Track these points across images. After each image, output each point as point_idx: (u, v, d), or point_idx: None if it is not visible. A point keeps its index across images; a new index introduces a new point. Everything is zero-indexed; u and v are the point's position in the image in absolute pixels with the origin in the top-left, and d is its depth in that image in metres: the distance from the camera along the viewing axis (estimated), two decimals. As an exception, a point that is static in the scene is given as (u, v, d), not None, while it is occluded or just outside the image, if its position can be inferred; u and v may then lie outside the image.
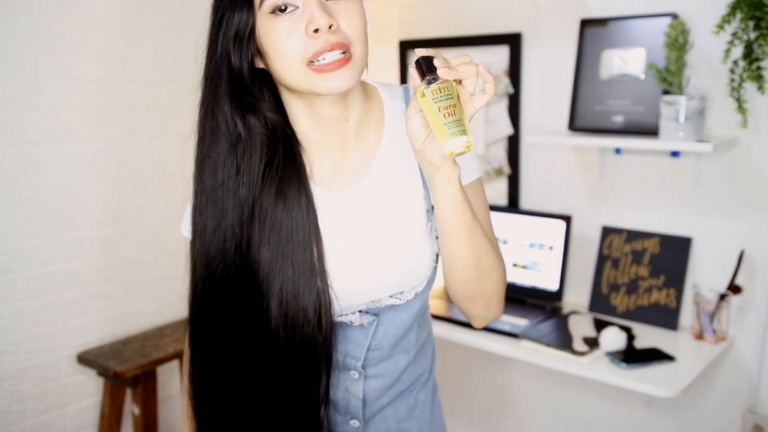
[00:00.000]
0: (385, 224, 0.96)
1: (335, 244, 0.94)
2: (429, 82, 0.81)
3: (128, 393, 2.22)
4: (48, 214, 2.09)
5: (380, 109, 0.98)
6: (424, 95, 0.81)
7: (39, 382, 2.11)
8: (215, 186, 0.91)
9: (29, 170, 2.04)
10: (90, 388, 2.24)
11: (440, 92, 0.80)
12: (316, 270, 0.91)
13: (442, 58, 0.82)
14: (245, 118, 0.90)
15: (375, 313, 0.99)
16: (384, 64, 2.62)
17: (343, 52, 0.84)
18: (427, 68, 0.81)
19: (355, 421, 1.06)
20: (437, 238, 0.99)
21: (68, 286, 2.16)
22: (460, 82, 0.83)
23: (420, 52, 0.82)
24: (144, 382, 2.11)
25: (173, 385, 2.48)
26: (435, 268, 1.03)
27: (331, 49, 0.83)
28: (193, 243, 0.95)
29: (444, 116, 0.79)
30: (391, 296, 0.99)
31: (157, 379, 2.17)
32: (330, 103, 0.91)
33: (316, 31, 0.82)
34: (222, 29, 0.87)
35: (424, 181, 0.98)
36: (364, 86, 0.98)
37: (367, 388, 1.04)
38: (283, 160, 0.91)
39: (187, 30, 2.36)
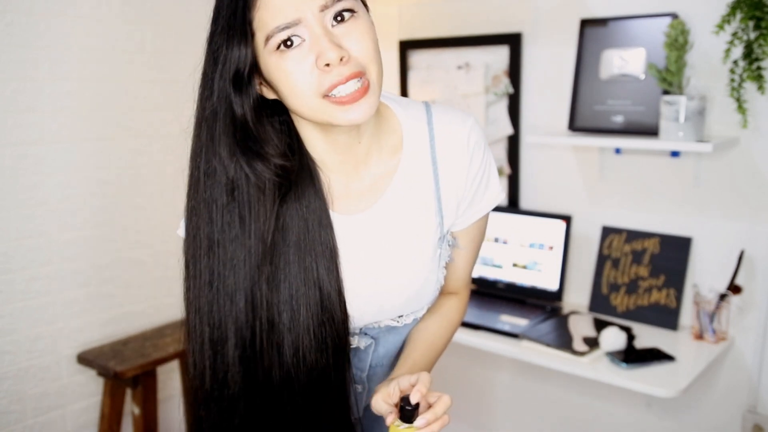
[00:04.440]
0: (394, 250, 0.95)
1: (342, 265, 0.92)
2: (405, 421, 0.83)
3: (128, 393, 2.22)
4: (48, 214, 2.09)
5: (398, 134, 0.94)
6: (395, 428, 0.84)
7: (39, 382, 2.11)
8: (216, 236, 0.86)
9: (29, 170, 2.04)
10: (90, 388, 2.24)
11: None
12: (337, 307, 0.90)
13: (426, 402, 0.83)
14: (251, 165, 0.84)
15: (373, 336, 1.00)
16: (384, 64, 2.61)
17: (359, 80, 0.80)
18: (408, 415, 0.83)
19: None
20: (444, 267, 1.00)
21: (68, 286, 2.16)
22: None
23: (414, 400, 0.82)
24: (144, 382, 2.11)
25: (173, 385, 2.48)
26: (437, 295, 1.04)
27: (347, 81, 0.79)
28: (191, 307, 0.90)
29: None
30: (391, 319, 0.99)
31: (157, 379, 2.17)
32: (346, 130, 0.88)
33: (328, 65, 0.78)
34: (218, 68, 0.81)
35: (439, 209, 0.96)
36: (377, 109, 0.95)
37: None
38: (301, 194, 0.88)
39: (187, 30, 2.36)
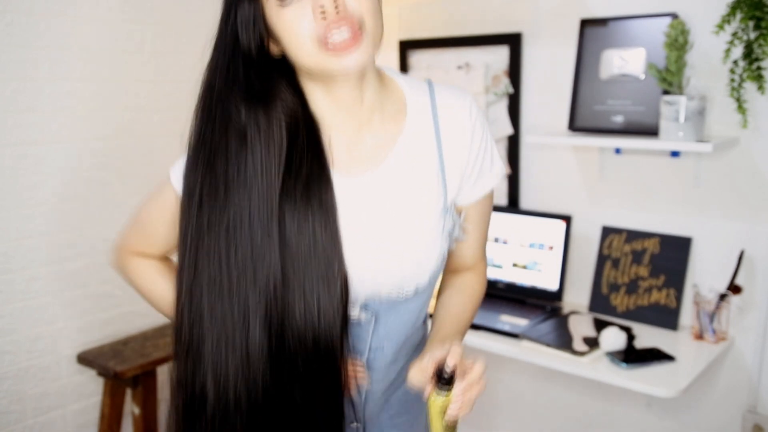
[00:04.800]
0: (396, 216, 0.95)
1: (342, 229, 0.92)
2: (443, 389, 0.84)
3: (128, 393, 2.22)
4: (48, 214, 2.09)
5: (401, 101, 0.98)
6: (434, 399, 0.84)
7: (39, 382, 2.11)
8: (227, 183, 0.88)
9: (29, 170, 2.04)
10: (90, 388, 2.24)
11: (448, 405, 0.84)
12: (335, 266, 0.90)
13: (461, 371, 0.85)
14: (266, 109, 0.88)
15: (373, 311, 0.99)
16: (384, 64, 2.61)
17: (354, 30, 0.83)
18: (447, 380, 0.83)
19: (354, 423, 1.06)
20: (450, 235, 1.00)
21: (68, 286, 2.16)
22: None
23: (450, 363, 0.83)
24: (144, 382, 2.11)
25: (173, 385, 2.48)
26: (441, 268, 1.02)
27: (340, 27, 0.82)
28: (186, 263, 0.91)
29: (447, 428, 0.86)
30: (390, 291, 0.98)
31: (157, 379, 2.17)
32: (346, 85, 0.91)
33: (324, 12, 0.82)
34: (230, 20, 0.88)
35: (443, 179, 0.97)
36: (380, 73, 0.98)
37: (369, 390, 1.04)
38: (306, 150, 0.90)
39: (187, 30, 2.36)
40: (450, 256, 1.08)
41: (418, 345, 1.09)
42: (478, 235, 1.07)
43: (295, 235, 0.88)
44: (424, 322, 1.12)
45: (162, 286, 1.06)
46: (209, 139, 0.89)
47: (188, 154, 0.92)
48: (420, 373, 0.86)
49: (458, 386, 0.83)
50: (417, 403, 1.12)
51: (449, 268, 1.12)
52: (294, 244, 0.88)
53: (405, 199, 0.95)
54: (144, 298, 1.11)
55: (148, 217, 1.05)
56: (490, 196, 1.04)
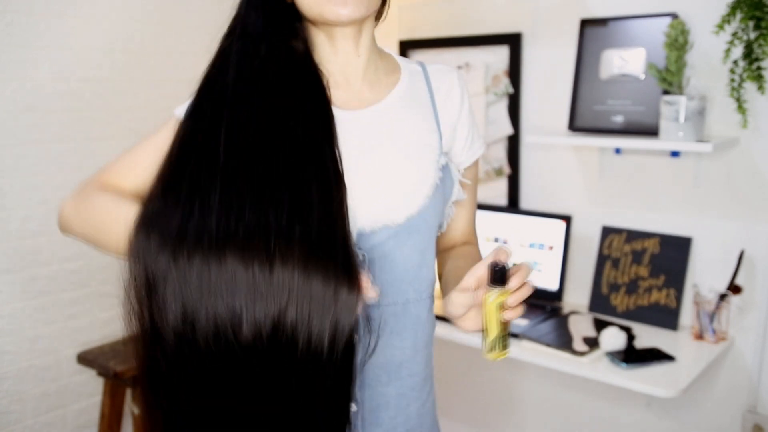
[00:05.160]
0: (390, 147, 0.99)
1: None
2: (497, 288, 0.86)
3: (128, 393, 2.22)
4: (48, 214, 2.09)
5: (395, 65, 1.06)
6: (491, 298, 0.86)
7: (39, 382, 2.11)
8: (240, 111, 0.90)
9: (29, 170, 2.04)
10: (90, 388, 2.24)
11: (503, 303, 0.86)
12: (332, 180, 0.90)
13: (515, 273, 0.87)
14: (286, 41, 0.96)
15: (365, 252, 0.97)
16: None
17: None
18: (500, 277, 0.85)
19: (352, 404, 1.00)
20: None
21: (68, 286, 2.16)
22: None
23: (501, 258, 0.85)
24: (144, 382, 2.11)
25: (173, 385, 2.48)
26: (433, 210, 1.01)
27: None
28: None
29: (502, 329, 0.88)
30: (380, 218, 0.96)
31: (157, 379, 2.17)
32: (344, 36, 0.98)
33: None
34: None
35: (437, 128, 1.03)
36: (376, 44, 1.05)
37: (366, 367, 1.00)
38: (306, 85, 0.95)
39: (187, 30, 2.36)
40: (445, 233, 1.11)
41: (417, 323, 1.06)
42: (469, 206, 1.12)
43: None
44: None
45: (127, 209, 0.92)
46: (220, 81, 0.93)
47: (196, 97, 0.95)
48: (460, 291, 0.89)
49: (514, 279, 0.86)
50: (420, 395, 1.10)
51: (445, 246, 1.14)
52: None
53: (400, 135, 1.00)
54: (97, 231, 0.98)
55: (141, 152, 1.03)
56: (477, 164, 1.11)
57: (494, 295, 0.86)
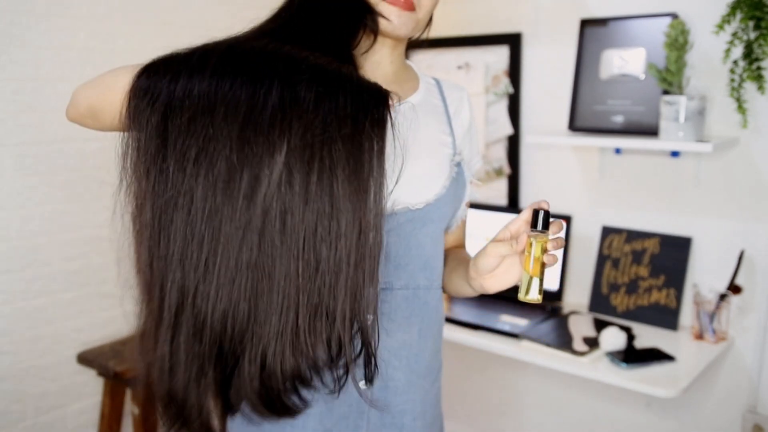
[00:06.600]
0: (410, 144, 1.00)
1: None
2: (541, 232, 0.91)
3: (128, 393, 2.22)
4: (48, 214, 2.09)
5: (415, 78, 1.13)
6: (534, 242, 0.91)
7: (39, 382, 2.11)
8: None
9: (29, 170, 2.04)
10: (90, 388, 2.24)
11: (545, 246, 0.91)
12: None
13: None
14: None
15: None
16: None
17: (410, 2, 0.97)
18: (544, 222, 0.91)
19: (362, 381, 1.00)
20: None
21: (68, 286, 2.16)
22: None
23: (544, 206, 0.91)
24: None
25: (173, 385, 2.48)
26: (446, 204, 1.06)
27: None
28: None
29: (542, 272, 0.92)
30: (402, 201, 1.00)
31: (157, 379, 2.17)
32: (385, 43, 1.03)
33: None
34: None
35: (452, 132, 1.09)
36: (404, 59, 1.12)
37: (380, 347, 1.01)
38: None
39: (187, 30, 2.35)
40: (447, 235, 1.17)
41: (425, 309, 1.07)
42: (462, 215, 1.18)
43: None
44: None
45: (132, 69, 0.96)
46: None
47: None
48: (508, 231, 0.95)
49: (554, 226, 0.92)
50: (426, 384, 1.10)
51: (446, 247, 1.19)
52: None
53: (420, 131, 1.05)
54: (100, 93, 0.97)
55: None
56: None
57: (539, 237, 0.91)
